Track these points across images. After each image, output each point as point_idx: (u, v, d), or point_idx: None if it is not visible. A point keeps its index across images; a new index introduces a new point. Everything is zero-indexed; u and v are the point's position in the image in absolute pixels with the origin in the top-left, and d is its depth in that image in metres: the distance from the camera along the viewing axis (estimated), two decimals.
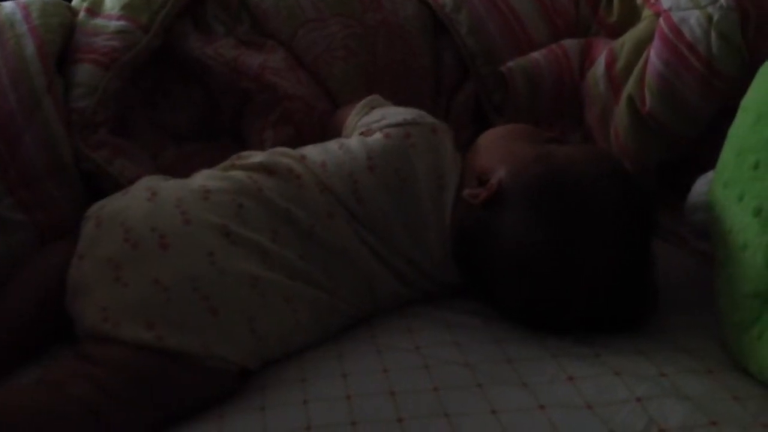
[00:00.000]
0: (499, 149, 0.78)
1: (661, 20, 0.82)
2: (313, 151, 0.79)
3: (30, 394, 0.61)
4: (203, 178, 0.75)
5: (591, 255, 0.69)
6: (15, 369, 0.69)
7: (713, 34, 0.77)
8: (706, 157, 0.77)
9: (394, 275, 0.75)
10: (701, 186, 0.75)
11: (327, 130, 0.94)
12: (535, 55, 0.99)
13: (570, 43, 1.01)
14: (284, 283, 0.70)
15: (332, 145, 0.80)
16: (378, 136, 0.78)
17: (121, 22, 0.94)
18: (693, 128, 0.84)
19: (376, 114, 0.84)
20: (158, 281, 0.65)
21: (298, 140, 0.93)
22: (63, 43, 0.94)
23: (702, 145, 0.86)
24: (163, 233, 0.68)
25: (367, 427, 0.59)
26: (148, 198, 0.72)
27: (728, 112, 0.71)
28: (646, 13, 0.91)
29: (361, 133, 0.81)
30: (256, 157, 0.78)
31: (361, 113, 0.86)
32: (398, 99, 0.91)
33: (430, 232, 0.76)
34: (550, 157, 0.74)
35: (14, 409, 0.59)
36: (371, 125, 0.81)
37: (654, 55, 0.83)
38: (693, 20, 0.79)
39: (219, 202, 0.71)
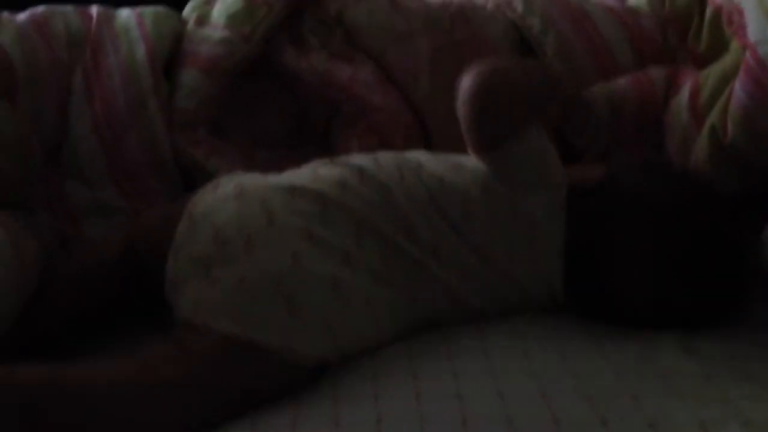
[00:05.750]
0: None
1: (746, 53, 0.83)
2: (432, 163, 0.80)
3: (122, 369, 0.66)
4: (290, 176, 0.78)
5: (710, 216, 0.77)
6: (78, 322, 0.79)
7: None
8: None
9: (477, 286, 0.76)
10: None
11: None
12: (620, 81, 1.00)
13: (656, 72, 1.01)
14: (365, 285, 0.72)
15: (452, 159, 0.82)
16: None
17: (225, 32, 1.00)
18: None
19: None
20: (244, 280, 0.69)
21: (382, 150, 0.97)
22: (171, 50, 1.01)
23: None
24: (248, 234, 0.71)
25: (433, 424, 0.61)
26: (235, 196, 0.75)
27: None
28: (734, 45, 0.91)
29: None
30: (356, 158, 0.81)
31: None
32: None
33: (536, 250, 0.77)
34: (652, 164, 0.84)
35: (106, 379, 0.64)
36: None
37: (739, 86, 0.83)
38: None
39: (303, 202, 0.74)
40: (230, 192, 0.76)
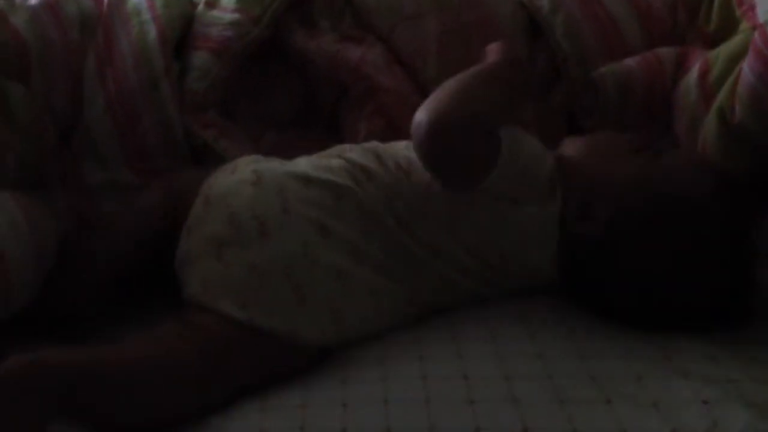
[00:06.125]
0: (593, 171, 0.79)
1: (756, 33, 0.82)
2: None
3: (143, 348, 0.68)
4: (306, 166, 0.79)
5: (706, 260, 0.73)
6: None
7: None
8: None
9: (477, 280, 0.77)
10: None
11: None
12: (629, 62, 1.00)
13: (665, 52, 1.01)
14: (369, 277, 0.74)
15: None
16: None
17: (235, 15, 1.01)
18: None
19: None
20: (255, 267, 0.71)
21: (389, 132, 0.98)
22: (182, 32, 1.02)
23: None
24: (263, 220, 0.73)
25: (440, 405, 0.63)
26: (253, 182, 0.77)
27: None
28: (744, 26, 0.91)
29: None
30: (357, 154, 0.81)
31: None
32: None
33: (530, 254, 0.77)
34: (648, 182, 0.77)
35: (124, 359, 0.66)
36: None
37: (747, 67, 0.83)
38: None
39: (318, 193, 0.75)
40: (248, 177, 0.78)
